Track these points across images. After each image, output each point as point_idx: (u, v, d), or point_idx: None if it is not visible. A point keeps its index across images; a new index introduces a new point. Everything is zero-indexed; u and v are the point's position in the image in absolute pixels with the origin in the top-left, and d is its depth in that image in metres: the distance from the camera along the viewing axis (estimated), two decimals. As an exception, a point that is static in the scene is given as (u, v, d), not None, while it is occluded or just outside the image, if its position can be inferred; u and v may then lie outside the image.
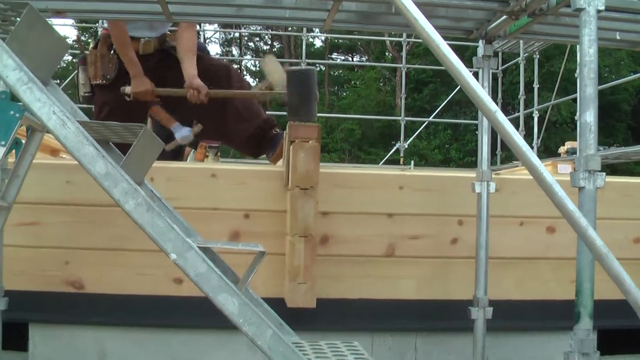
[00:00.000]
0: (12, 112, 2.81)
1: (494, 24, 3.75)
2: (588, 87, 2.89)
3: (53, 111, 2.41)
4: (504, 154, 16.72)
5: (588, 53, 2.90)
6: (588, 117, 2.88)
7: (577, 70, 3.13)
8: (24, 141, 3.11)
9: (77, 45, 6.53)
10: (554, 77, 17.96)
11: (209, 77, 5.16)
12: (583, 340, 2.91)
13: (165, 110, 5.94)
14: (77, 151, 2.42)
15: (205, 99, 5.01)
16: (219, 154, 8.35)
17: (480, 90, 2.61)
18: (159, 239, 2.42)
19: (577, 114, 3.05)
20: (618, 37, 3.98)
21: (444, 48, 2.58)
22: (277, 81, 5.28)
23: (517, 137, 2.60)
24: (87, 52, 5.33)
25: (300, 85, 4.50)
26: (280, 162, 4.94)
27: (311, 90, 4.49)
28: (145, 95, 5.06)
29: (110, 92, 5.13)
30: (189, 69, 5.15)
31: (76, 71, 5.45)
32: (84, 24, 15.08)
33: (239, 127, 5.23)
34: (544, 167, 2.61)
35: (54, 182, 3.90)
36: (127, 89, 5.04)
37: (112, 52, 5.17)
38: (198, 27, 6.66)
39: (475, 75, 3.10)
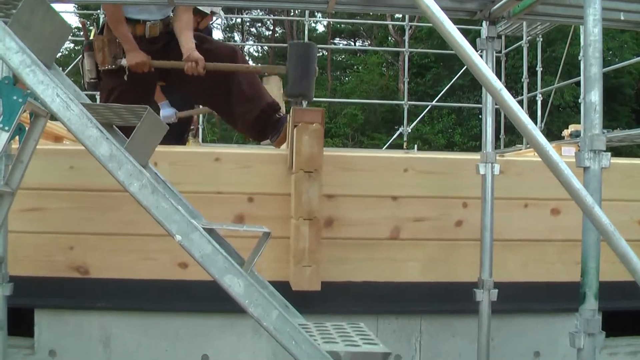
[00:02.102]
0: (15, 98, 2.81)
1: (497, 5, 3.73)
2: (593, 67, 2.88)
3: (56, 94, 2.41)
4: (508, 137, 16.71)
5: (593, 33, 2.89)
6: (593, 96, 2.87)
7: (581, 52, 3.12)
8: (27, 127, 3.11)
9: (82, 33, 6.50)
10: (557, 62, 17.96)
11: (214, 58, 5.15)
12: (589, 320, 2.91)
13: (171, 92, 5.94)
14: (81, 133, 2.42)
15: (203, 71, 5.02)
16: (197, 137, 8.40)
17: (485, 68, 2.60)
18: (164, 220, 2.42)
19: (582, 95, 3.05)
20: (622, 18, 3.96)
21: (449, 25, 2.58)
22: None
23: (522, 115, 2.59)
24: (92, 38, 5.31)
25: (300, 58, 4.59)
26: (284, 146, 4.93)
27: (310, 64, 4.54)
28: (142, 67, 5.06)
29: (118, 77, 5.11)
30: (187, 42, 5.18)
31: (80, 57, 5.42)
32: (85, 11, 15.01)
33: (244, 108, 5.21)
34: (549, 146, 2.60)
35: (58, 168, 3.89)
36: (123, 62, 5.04)
37: None
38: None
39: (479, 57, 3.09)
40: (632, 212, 4.22)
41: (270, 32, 41.62)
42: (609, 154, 2.87)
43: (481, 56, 3.68)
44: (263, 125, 5.22)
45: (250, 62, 39.74)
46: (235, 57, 5.32)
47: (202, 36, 5.46)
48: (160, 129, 3.09)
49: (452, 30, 2.58)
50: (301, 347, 2.45)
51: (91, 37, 5.41)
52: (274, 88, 6.13)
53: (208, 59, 5.07)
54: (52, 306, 3.92)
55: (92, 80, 5.16)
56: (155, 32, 5.23)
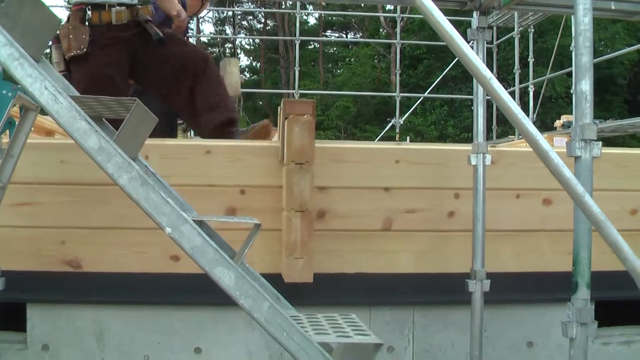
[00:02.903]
0: (4, 92, 2.80)
1: (488, -5, 3.74)
2: (583, 56, 2.89)
3: (45, 86, 2.40)
4: (500, 128, 16.74)
5: (583, 22, 2.89)
6: (584, 86, 2.88)
7: (573, 42, 3.12)
8: (17, 121, 3.09)
9: None
10: (548, 53, 17.99)
11: (184, 61, 5.14)
12: (581, 310, 2.92)
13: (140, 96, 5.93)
14: (70, 126, 2.41)
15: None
16: (187, 131, 8.40)
17: (475, 57, 2.60)
18: (153, 212, 2.42)
19: (573, 84, 3.05)
20: (613, 7, 3.97)
21: (437, 15, 2.58)
22: (233, 82, 5.71)
23: (512, 104, 2.59)
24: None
25: None
26: (275, 137, 4.93)
27: None
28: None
29: (86, 63, 5.07)
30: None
31: (49, 52, 5.36)
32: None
33: (205, 116, 5.19)
34: (539, 135, 2.60)
35: (49, 162, 3.88)
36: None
37: (86, 23, 5.10)
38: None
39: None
40: (624, 202, 4.22)
41: (262, 25, 41.63)
42: (600, 143, 2.87)
43: (472, 47, 3.68)
44: (218, 136, 5.19)
45: (242, 56, 39.79)
46: (206, 66, 5.29)
47: (177, 38, 5.43)
48: (149, 121, 3.08)
49: (441, 20, 2.58)
50: (292, 339, 2.44)
51: None
52: (234, 69, 6.19)
53: (178, 63, 5.07)
54: (45, 301, 3.91)
55: (61, 73, 5.06)
56: (122, 18, 5.17)
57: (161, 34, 5.17)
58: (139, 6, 5.25)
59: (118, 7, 5.10)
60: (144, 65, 5.17)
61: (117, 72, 5.12)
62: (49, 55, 5.10)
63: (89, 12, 5.07)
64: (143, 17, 5.21)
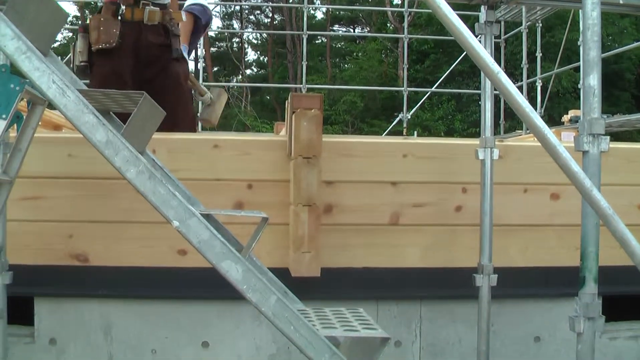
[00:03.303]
0: (12, 86, 2.81)
1: (496, -11, 3.73)
2: (591, 51, 2.88)
3: (52, 80, 2.40)
4: (508, 123, 16.72)
5: (591, 16, 2.89)
6: (592, 80, 2.87)
7: (580, 37, 3.11)
8: (25, 115, 3.10)
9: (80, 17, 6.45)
10: (556, 48, 17.96)
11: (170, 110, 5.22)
12: (588, 304, 2.92)
13: None
14: (77, 120, 2.41)
15: None
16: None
17: (483, 51, 2.60)
18: (161, 206, 2.42)
19: (581, 79, 3.04)
20: (621, 2, 3.95)
21: (445, 8, 2.57)
22: (216, 112, 5.91)
23: (520, 98, 2.59)
24: (88, 21, 5.24)
25: None
26: (283, 132, 4.92)
27: None
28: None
29: (111, 57, 5.07)
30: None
31: (73, 42, 5.34)
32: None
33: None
34: (547, 128, 2.60)
35: (56, 156, 3.88)
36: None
37: (118, 18, 5.10)
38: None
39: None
40: (632, 197, 4.22)
41: (269, 20, 41.61)
42: (608, 137, 2.87)
43: (480, 41, 3.67)
44: None
45: (250, 50, 39.78)
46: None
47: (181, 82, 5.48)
48: (157, 115, 3.08)
49: (449, 13, 2.57)
50: (300, 332, 2.45)
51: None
52: (222, 101, 6.22)
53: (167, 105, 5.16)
54: (52, 294, 3.91)
55: (82, 64, 5.06)
56: (154, 18, 5.17)
57: (180, 53, 5.21)
58: (171, 10, 5.25)
59: (152, 7, 5.10)
60: (146, 76, 5.18)
61: (129, 73, 5.15)
62: (72, 46, 5.13)
63: (123, 7, 5.10)
64: (173, 28, 5.22)
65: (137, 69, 5.20)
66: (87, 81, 5.00)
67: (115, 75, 5.02)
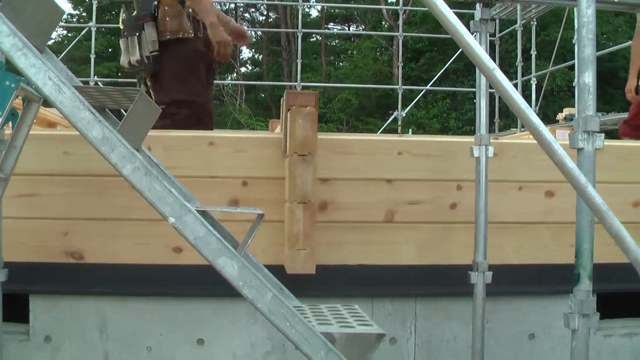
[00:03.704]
0: (7, 83, 2.81)
1: (491, -13, 3.73)
2: (586, 48, 2.89)
3: (48, 77, 2.40)
4: (503, 121, 16.75)
5: (586, 14, 2.89)
6: (587, 78, 2.88)
7: (575, 35, 3.13)
8: (20, 112, 3.09)
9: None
10: (551, 46, 17.99)
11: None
12: (583, 301, 2.93)
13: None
14: (74, 116, 2.41)
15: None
16: None
17: (478, 48, 2.60)
18: (157, 202, 2.42)
19: (576, 77, 3.06)
20: (616, 0, 3.96)
21: (441, 5, 2.57)
22: None
23: (515, 95, 2.59)
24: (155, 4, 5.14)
25: None
26: (278, 129, 4.93)
27: None
28: (227, 47, 5.15)
29: (185, 47, 5.11)
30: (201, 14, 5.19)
31: (127, 33, 5.11)
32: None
33: None
34: (543, 125, 2.61)
35: (51, 153, 3.88)
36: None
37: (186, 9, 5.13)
38: None
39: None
40: (627, 194, 4.22)
41: (264, 18, 41.61)
42: (603, 135, 2.88)
43: (475, 39, 3.67)
44: None
45: (244, 48, 39.80)
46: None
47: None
48: (153, 112, 3.09)
49: (445, 10, 2.58)
50: (295, 329, 2.45)
51: (120, 23, 5.30)
52: None
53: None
54: (47, 292, 3.91)
55: (154, 53, 4.99)
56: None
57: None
58: None
59: None
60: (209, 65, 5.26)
61: (203, 62, 5.18)
62: (138, 35, 5.00)
63: None
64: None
65: (207, 58, 5.27)
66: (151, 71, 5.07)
67: (195, 59, 5.07)
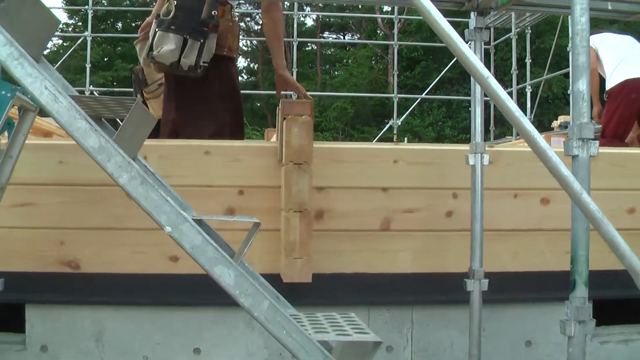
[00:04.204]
0: (3, 92, 2.82)
1: (485, -5, 3.75)
2: (580, 56, 2.90)
3: (45, 86, 2.41)
4: (498, 129, 16.77)
5: (580, 22, 2.90)
6: (581, 85, 2.89)
7: (570, 43, 3.14)
8: (16, 122, 3.10)
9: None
10: (545, 54, 18.06)
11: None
12: (579, 308, 2.93)
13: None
14: (70, 126, 2.41)
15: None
16: None
17: (472, 56, 2.61)
18: (153, 211, 2.43)
19: (570, 84, 3.07)
20: (610, 7, 3.97)
21: (435, 13, 2.58)
22: None
23: (510, 103, 2.60)
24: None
25: None
26: (274, 138, 4.93)
27: None
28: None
29: (233, 65, 5.09)
30: (275, 59, 5.11)
31: (201, 40, 4.78)
32: (72, 7, 15.08)
33: None
34: (537, 133, 2.62)
35: (47, 163, 3.88)
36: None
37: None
38: None
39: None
40: (622, 201, 4.24)
41: (260, 27, 41.57)
42: (597, 142, 2.89)
43: (469, 47, 3.68)
44: None
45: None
46: None
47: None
48: (149, 121, 3.09)
49: (439, 19, 2.59)
50: (292, 337, 2.45)
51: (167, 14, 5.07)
52: None
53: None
54: (44, 301, 3.91)
55: (204, 64, 4.78)
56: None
57: None
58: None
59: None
60: None
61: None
62: (202, 42, 4.76)
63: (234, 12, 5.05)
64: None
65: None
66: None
67: (236, 79, 5.05)
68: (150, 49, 4.72)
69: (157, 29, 4.70)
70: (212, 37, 4.72)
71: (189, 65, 4.63)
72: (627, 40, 7.89)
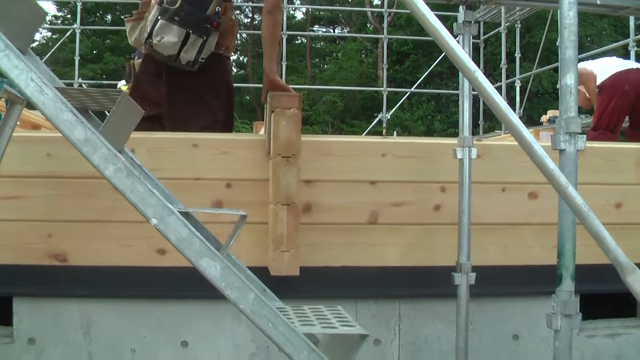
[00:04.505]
0: (-11, 85, 2.80)
1: (474, -11, 3.75)
2: (568, 50, 2.91)
3: (31, 78, 2.40)
4: (487, 124, 16.78)
5: (568, 16, 2.91)
6: (568, 79, 2.90)
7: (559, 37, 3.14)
8: (3, 114, 3.09)
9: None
10: (535, 48, 18.09)
11: None
12: (565, 302, 2.94)
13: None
14: (56, 118, 2.41)
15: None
16: None
17: (459, 49, 2.62)
18: (139, 204, 2.42)
19: (559, 79, 3.07)
20: (599, 2, 3.98)
21: (422, 7, 2.58)
22: None
23: (496, 97, 2.61)
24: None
25: None
26: (262, 131, 4.92)
27: None
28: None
29: (228, 63, 5.04)
30: (267, 62, 4.91)
31: (204, 38, 4.71)
32: (62, -1, 15.03)
33: None
34: (523, 126, 2.62)
35: (35, 155, 3.87)
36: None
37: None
38: None
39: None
40: (609, 196, 4.24)
41: (249, 20, 41.57)
42: (585, 136, 2.90)
43: (458, 41, 3.68)
44: None
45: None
46: None
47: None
48: (136, 113, 3.08)
49: (426, 12, 2.59)
50: (278, 330, 2.45)
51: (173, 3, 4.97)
52: None
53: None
54: (31, 294, 3.90)
55: (202, 60, 4.72)
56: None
57: None
58: None
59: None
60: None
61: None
62: (205, 40, 4.68)
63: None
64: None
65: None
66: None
67: (229, 82, 5.01)
68: (150, 35, 4.68)
69: (159, 17, 4.63)
70: (214, 35, 4.66)
71: (187, 60, 4.59)
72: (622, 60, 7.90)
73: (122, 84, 10.37)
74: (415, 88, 18.97)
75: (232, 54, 5.07)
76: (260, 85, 5.25)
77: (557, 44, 3.87)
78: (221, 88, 4.87)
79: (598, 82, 7.46)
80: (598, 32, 29.81)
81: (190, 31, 4.56)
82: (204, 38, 4.60)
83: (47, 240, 3.86)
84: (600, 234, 2.61)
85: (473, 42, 3.81)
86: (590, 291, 3.98)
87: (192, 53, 4.57)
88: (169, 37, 4.54)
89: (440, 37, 2.62)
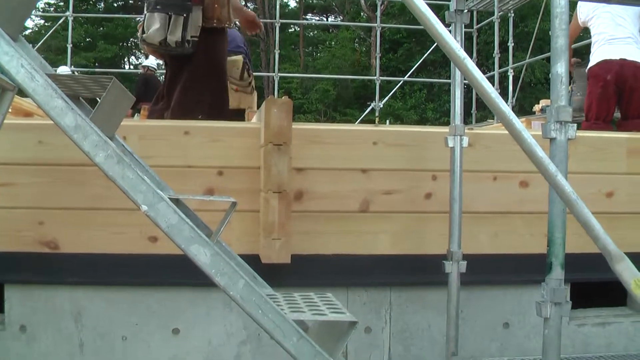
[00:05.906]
0: (-20, 72, 2.79)
1: (466, -23, 3.75)
2: (559, 39, 2.91)
3: (21, 64, 2.39)
4: (479, 113, 16.79)
5: (559, 4, 2.91)
6: (559, 68, 2.90)
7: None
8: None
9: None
10: (529, 38, 18.08)
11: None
12: (555, 289, 2.95)
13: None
14: (46, 104, 2.40)
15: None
16: None
17: (449, 37, 2.62)
18: (129, 190, 2.42)
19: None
20: (590, -9, 3.99)
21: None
22: None
23: (486, 84, 2.61)
24: None
25: None
26: (254, 119, 4.92)
27: None
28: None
29: (224, 38, 5.09)
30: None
31: (184, 15, 4.80)
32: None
33: None
34: (513, 114, 2.63)
35: (26, 143, 3.86)
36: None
37: None
38: None
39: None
40: (601, 185, 4.26)
41: None
42: (575, 125, 2.90)
43: (450, 30, 3.68)
44: None
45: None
46: None
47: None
48: (126, 100, 3.08)
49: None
50: (268, 316, 2.46)
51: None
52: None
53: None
54: (23, 281, 3.90)
55: (193, 38, 4.80)
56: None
57: None
58: None
59: None
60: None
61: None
62: (185, 17, 4.77)
63: None
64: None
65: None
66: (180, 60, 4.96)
67: (222, 62, 5.06)
68: (143, 32, 4.74)
69: (145, 12, 4.70)
70: (196, 10, 4.71)
71: (175, 41, 4.62)
72: (620, 15, 7.75)
73: None
74: (409, 77, 18.97)
75: (229, 24, 5.13)
76: (253, 73, 5.33)
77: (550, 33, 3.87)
78: (213, 70, 4.90)
79: (589, 65, 7.43)
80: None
81: (171, 13, 4.61)
82: (184, 15, 4.68)
83: (38, 228, 3.85)
84: (589, 222, 2.62)
85: (466, 31, 3.81)
86: (580, 279, 3.99)
87: (177, 33, 4.63)
88: (154, 26, 4.62)
89: (429, 24, 2.62)
